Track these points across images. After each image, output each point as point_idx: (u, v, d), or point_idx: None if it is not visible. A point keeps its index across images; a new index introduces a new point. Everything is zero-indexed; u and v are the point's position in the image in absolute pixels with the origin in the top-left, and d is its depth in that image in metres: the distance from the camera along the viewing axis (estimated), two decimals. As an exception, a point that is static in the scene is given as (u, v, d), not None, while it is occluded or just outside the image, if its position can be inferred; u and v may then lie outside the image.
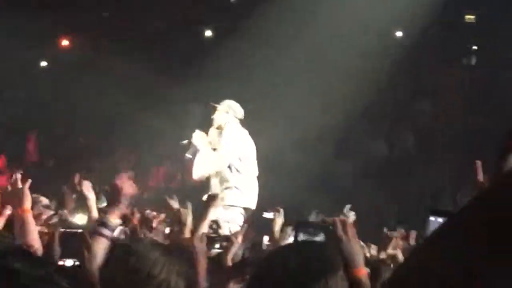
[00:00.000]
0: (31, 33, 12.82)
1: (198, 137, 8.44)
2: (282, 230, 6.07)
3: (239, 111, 8.68)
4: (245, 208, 8.37)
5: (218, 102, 8.71)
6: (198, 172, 8.46)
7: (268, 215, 6.79)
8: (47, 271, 1.54)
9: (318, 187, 12.32)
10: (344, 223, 2.91)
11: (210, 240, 5.13)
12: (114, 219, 3.77)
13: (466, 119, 13.58)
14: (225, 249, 5.04)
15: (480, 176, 3.21)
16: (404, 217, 11.19)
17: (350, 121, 13.31)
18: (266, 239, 6.31)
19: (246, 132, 8.65)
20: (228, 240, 5.21)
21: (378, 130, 14.07)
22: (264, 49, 13.24)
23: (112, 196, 3.91)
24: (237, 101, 8.77)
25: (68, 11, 13.57)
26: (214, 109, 8.65)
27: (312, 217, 6.49)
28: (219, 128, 8.56)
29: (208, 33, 14.98)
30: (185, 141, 8.59)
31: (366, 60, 13.22)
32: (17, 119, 14.00)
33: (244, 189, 8.43)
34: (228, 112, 8.60)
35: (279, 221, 6.09)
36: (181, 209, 5.69)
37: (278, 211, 6.19)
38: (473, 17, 13.83)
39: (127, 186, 4.34)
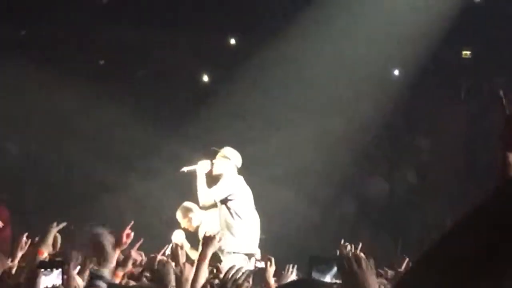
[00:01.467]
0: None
1: (203, 165, 8.39)
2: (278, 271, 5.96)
3: (239, 160, 8.64)
4: (247, 255, 8.28)
5: (219, 148, 8.66)
6: (207, 196, 8.37)
7: (260, 264, 6.71)
8: None
9: (319, 228, 12.24)
10: (357, 257, 2.91)
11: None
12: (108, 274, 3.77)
13: (465, 154, 13.53)
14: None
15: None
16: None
17: (349, 163, 13.23)
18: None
19: (242, 178, 8.61)
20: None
21: (378, 170, 14.02)
22: (260, 94, 13.20)
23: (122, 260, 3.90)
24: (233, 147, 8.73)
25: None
26: (214, 154, 8.59)
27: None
28: (217, 175, 8.50)
29: (205, 78, 14.93)
30: (188, 168, 8.50)
31: (364, 100, 13.19)
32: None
33: (246, 234, 8.35)
34: (230, 159, 8.55)
35: (271, 270, 6.00)
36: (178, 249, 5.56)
37: (270, 260, 6.08)
38: (469, 52, 13.81)
39: (137, 255, 4.37)
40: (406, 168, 13.99)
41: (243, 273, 4.73)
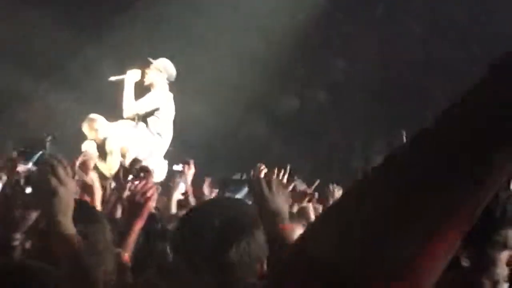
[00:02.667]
0: None
1: (132, 75, 8.39)
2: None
3: (172, 74, 8.63)
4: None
5: (154, 59, 8.62)
6: (131, 108, 8.34)
7: (177, 167, 6.66)
8: None
9: (229, 145, 12.26)
10: (269, 180, 2.95)
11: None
12: None
13: (378, 74, 13.63)
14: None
15: None
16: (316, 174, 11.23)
17: (262, 81, 13.20)
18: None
19: (171, 96, 8.64)
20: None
21: (290, 88, 14.03)
22: (181, 9, 12.95)
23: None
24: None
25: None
26: (147, 65, 8.54)
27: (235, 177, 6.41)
28: (149, 86, 8.55)
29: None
30: (116, 78, 8.46)
31: (280, 18, 13.08)
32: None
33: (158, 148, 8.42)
34: (162, 72, 8.56)
35: (190, 172, 6.00)
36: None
37: (188, 164, 6.08)
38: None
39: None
40: (318, 87, 14.02)
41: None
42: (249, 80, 12.74)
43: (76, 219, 2.37)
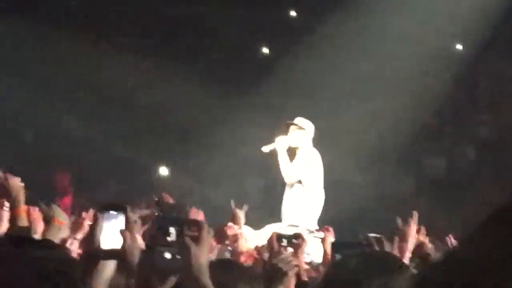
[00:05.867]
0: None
1: (282, 141, 8.28)
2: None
3: (313, 129, 8.52)
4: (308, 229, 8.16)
5: (291, 121, 8.57)
6: (292, 174, 8.31)
7: (318, 235, 6.71)
8: None
9: (377, 205, 12.24)
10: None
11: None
12: None
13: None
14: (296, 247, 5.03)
15: None
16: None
17: (411, 140, 13.18)
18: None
19: (317, 151, 8.51)
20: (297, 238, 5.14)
21: (439, 147, 13.95)
22: (322, 68, 13.18)
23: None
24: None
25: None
26: (288, 127, 8.50)
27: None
28: (295, 148, 8.39)
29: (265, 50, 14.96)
30: (267, 147, 8.42)
31: (425, 76, 13.12)
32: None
33: (312, 210, 8.35)
34: (304, 129, 8.44)
35: (329, 240, 6.00)
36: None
37: (328, 230, 6.10)
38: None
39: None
40: (467, 144, 13.86)
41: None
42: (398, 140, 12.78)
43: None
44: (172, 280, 2.40)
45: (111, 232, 2.53)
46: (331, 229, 6.23)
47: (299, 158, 8.33)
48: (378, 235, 7.52)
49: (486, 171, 13.45)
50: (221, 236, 5.66)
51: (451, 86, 13.56)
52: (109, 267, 2.60)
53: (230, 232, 5.72)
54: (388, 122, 12.87)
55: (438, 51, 13.41)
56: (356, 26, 13.10)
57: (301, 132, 8.44)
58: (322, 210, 8.56)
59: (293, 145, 8.42)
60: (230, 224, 5.92)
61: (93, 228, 2.54)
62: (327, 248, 5.98)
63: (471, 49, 13.66)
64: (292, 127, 8.45)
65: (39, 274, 1.63)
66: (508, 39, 13.48)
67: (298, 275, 4.67)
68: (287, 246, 5.18)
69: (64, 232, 4.71)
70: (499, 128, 13.80)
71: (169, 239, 2.44)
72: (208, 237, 2.55)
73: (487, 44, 13.31)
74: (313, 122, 8.76)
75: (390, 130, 12.85)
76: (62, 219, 4.76)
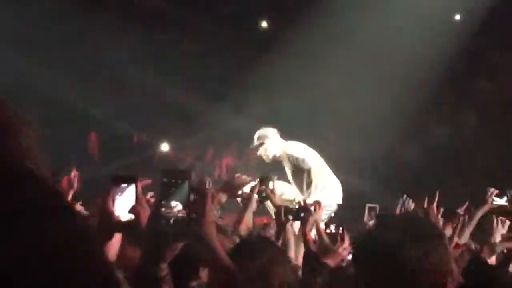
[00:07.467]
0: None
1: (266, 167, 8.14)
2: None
3: (273, 132, 8.31)
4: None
5: (250, 145, 8.43)
6: (301, 189, 8.10)
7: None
8: None
9: (384, 175, 12.34)
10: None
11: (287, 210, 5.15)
12: None
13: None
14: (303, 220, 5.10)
15: None
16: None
17: (413, 109, 13.23)
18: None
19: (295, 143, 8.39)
20: (305, 210, 5.21)
21: (441, 115, 14.01)
22: (323, 40, 13.18)
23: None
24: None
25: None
26: (255, 151, 8.33)
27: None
28: (277, 159, 8.22)
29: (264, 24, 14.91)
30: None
31: (425, 46, 13.15)
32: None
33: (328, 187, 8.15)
34: (267, 140, 8.22)
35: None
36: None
37: (319, 204, 5.94)
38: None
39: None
40: (467, 113, 13.92)
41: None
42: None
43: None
44: (179, 246, 2.41)
45: (123, 204, 2.53)
46: (320, 202, 6.04)
47: (288, 166, 8.17)
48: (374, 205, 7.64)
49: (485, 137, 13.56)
50: (232, 188, 5.76)
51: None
52: (117, 239, 2.66)
53: (239, 181, 5.75)
54: (389, 93, 12.90)
55: (437, 22, 13.42)
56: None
57: (267, 144, 8.27)
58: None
59: (272, 159, 8.31)
60: (237, 174, 5.93)
61: (106, 201, 2.57)
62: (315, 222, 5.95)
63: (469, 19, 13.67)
64: (259, 148, 8.27)
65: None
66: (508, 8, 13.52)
67: (308, 246, 4.74)
68: (293, 220, 5.28)
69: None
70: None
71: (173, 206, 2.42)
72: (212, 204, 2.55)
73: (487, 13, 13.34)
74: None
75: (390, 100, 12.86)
76: None
